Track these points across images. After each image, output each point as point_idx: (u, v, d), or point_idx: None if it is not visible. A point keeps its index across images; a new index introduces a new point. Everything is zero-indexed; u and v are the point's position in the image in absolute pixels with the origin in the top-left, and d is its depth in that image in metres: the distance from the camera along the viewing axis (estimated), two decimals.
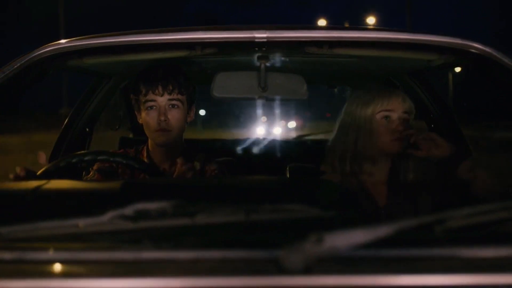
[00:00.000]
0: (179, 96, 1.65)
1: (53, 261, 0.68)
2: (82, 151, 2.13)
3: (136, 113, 1.74)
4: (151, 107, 1.65)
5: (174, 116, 1.65)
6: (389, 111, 1.59)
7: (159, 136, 1.66)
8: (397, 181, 1.64)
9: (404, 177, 1.64)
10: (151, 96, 1.64)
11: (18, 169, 1.40)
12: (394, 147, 1.58)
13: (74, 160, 1.44)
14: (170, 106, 1.65)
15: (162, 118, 1.63)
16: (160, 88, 1.63)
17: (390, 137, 1.57)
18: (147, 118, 1.66)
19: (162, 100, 1.64)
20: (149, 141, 1.74)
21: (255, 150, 2.59)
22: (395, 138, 1.57)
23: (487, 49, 1.36)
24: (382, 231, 0.68)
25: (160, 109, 1.64)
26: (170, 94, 1.64)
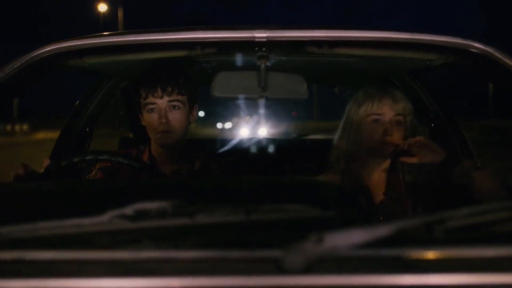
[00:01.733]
0: (179, 97, 1.65)
1: (53, 261, 0.68)
2: (84, 151, 2.13)
3: (139, 115, 1.75)
4: (151, 109, 1.65)
5: (175, 117, 1.65)
6: (378, 114, 1.58)
7: (161, 138, 1.66)
8: (397, 181, 1.64)
9: (403, 177, 1.64)
10: (151, 99, 1.64)
11: (19, 168, 1.40)
12: (382, 150, 1.57)
13: (75, 160, 1.44)
14: (171, 107, 1.65)
15: (163, 121, 1.63)
16: (159, 91, 1.63)
17: (379, 140, 1.56)
18: (149, 120, 1.66)
19: (162, 102, 1.63)
20: (151, 141, 1.74)
21: (255, 150, 2.59)
22: (383, 142, 1.56)
23: (487, 49, 1.36)
24: (382, 231, 0.68)
25: (161, 111, 1.63)
26: (169, 95, 1.63)
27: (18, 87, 1.52)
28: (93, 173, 1.70)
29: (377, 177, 1.64)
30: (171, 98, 1.64)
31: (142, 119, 1.72)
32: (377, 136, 1.56)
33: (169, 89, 1.63)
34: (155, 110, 1.64)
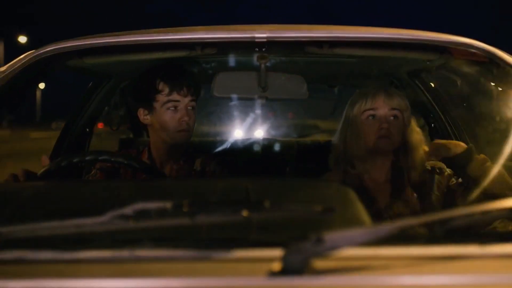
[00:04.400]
0: (195, 97, 1.68)
1: (53, 261, 0.68)
2: (84, 151, 2.13)
3: (142, 111, 1.68)
4: (173, 107, 1.64)
5: (192, 117, 1.67)
6: (373, 109, 1.58)
7: (181, 136, 1.65)
8: (397, 180, 1.64)
9: (404, 176, 1.64)
10: (175, 96, 1.63)
11: (18, 173, 1.39)
12: (380, 145, 1.57)
13: (75, 160, 1.44)
14: (190, 107, 1.66)
15: (187, 119, 1.63)
16: (185, 89, 1.64)
17: (376, 135, 1.56)
18: (168, 117, 1.63)
19: (186, 100, 1.64)
20: (151, 142, 1.73)
21: (255, 150, 2.59)
22: (380, 136, 1.56)
23: (488, 48, 1.36)
24: (382, 231, 0.68)
25: (183, 109, 1.64)
26: (192, 95, 1.65)
27: (18, 87, 1.52)
28: (92, 172, 1.70)
29: (379, 176, 1.64)
30: (192, 98, 1.65)
31: (150, 116, 1.67)
32: (373, 132, 1.56)
33: (192, 89, 1.65)
34: (177, 107, 1.64)
